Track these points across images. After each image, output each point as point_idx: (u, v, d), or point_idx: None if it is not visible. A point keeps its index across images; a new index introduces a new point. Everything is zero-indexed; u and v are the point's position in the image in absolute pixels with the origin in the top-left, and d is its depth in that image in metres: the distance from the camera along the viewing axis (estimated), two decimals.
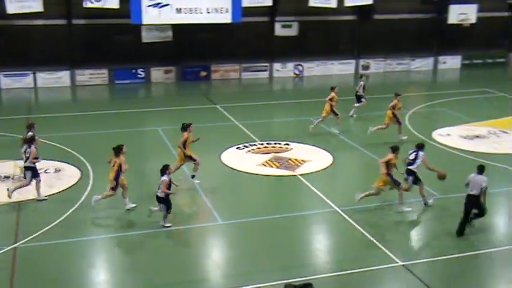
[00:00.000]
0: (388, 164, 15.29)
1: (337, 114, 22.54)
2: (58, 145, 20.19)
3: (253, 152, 20.31)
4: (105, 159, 15.58)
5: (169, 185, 14.09)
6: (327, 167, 18.94)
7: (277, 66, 35.19)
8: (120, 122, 24.47)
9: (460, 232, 14.03)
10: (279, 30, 34.87)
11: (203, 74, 34.04)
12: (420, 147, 15.91)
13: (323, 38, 36.90)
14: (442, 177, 15.46)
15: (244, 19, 31.42)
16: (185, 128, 17.03)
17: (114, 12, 29.80)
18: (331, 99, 22.43)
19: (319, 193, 16.62)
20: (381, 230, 14.41)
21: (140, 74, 33.12)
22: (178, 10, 30.45)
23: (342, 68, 36.19)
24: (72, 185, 17.07)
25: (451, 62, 38.27)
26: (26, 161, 15.77)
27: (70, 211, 15.28)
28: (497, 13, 38.71)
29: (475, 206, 14.08)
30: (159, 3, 30.05)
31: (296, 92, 33.30)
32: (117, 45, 33.02)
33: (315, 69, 35.73)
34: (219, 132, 22.97)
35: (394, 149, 15.42)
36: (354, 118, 25.01)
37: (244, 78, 34.42)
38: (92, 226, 14.72)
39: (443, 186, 17.12)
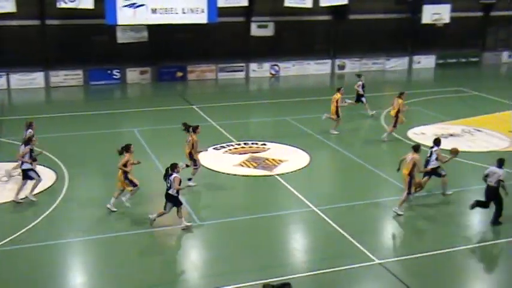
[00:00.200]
0: (413, 165, 15.11)
1: (338, 117, 22.32)
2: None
3: (230, 153, 20.29)
4: (80, 161, 15.43)
5: (179, 182, 14.02)
6: (304, 167, 19.00)
7: (253, 66, 35.22)
8: (96, 123, 24.26)
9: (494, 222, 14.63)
10: (255, 31, 34.90)
11: (179, 74, 33.91)
12: (437, 143, 16.13)
13: (299, 38, 37.03)
14: (455, 152, 15.92)
15: (220, 19, 31.38)
16: (194, 129, 16.93)
17: (88, 13, 29.54)
18: (336, 101, 22.24)
19: (296, 193, 16.66)
20: (358, 228, 14.48)
21: (116, 75, 32.87)
22: (154, 10, 30.28)
23: (317, 68, 36.35)
24: (47, 188, 16.86)
25: (426, 62, 38.70)
26: (22, 164, 15.72)
27: (46, 214, 15.10)
28: (471, 13, 39.23)
29: (493, 197, 14.53)
30: (134, 4, 29.85)
31: (272, 92, 33.36)
32: (92, 46, 32.74)
33: (291, 69, 35.84)
34: None
35: (417, 148, 15.32)
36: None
37: (221, 79, 34.39)
38: (68, 228, 14.57)
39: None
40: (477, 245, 13.89)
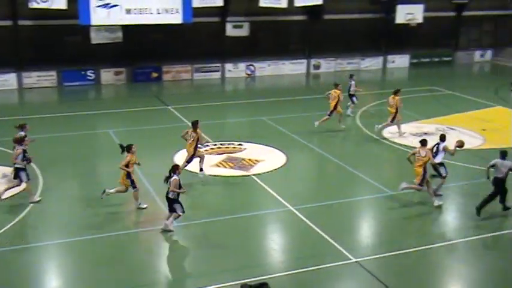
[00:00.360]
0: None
1: (331, 113, 22.57)
2: (5, 150, 19.60)
3: (206, 153, 20.19)
4: (54, 163, 15.25)
5: (179, 185, 13.90)
6: (281, 167, 19.03)
7: (229, 66, 35.17)
8: (70, 125, 23.98)
9: (479, 208, 15.12)
10: (230, 31, 34.86)
11: (154, 75, 33.71)
12: (442, 138, 16.64)
13: (274, 38, 37.10)
14: (461, 145, 16.43)
15: (195, 19, 31.29)
16: (194, 125, 17.25)
17: (61, 13, 29.20)
18: (338, 96, 22.53)
19: (273, 193, 16.67)
20: (334, 227, 14.55)
21: (90, 76, 32.55)
22: (128, 11, 30.06)
23: (293, 68, 36.44)
24: (22, 191, 16.60)
25: (400, 61, 39.06)
26: (14, 163, 15.55)
27: (19, 217, 14.88)
28: (443, 13, 39.70)
29: (500, 188, 15.08)
30: (108, 4, 29.59)
31: (248, 92, 33.36)
32: (66, 47, 32.39)
33: (267, 69, 35.87)
34: (171, 133, 22.73)
35: (425, 143, 15.86)
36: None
37: (196, 79, 34.27)
38: (42, 232, 14.39)
39: (395, 183, 17.46)
40: (454, 241, 14.04)
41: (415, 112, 25.50)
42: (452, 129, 23.30)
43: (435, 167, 16.28)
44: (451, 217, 16.05)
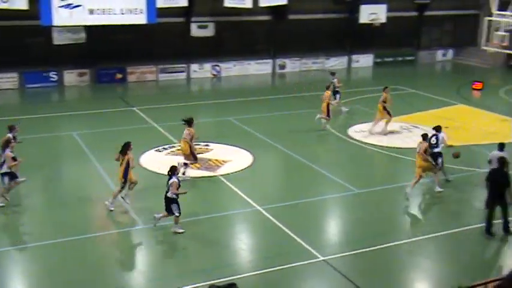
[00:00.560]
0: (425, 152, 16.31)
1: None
2: None
3: (173, 154, 20.11)
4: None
5: (178, 186, 13.88)
6: (248, 167, 19.04)
7: (194, 67, 35.02)
8: (33, 127, 23.45)
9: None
10: (195, 31, 34.72)
11: (119, 76, 33.36)
12: (438, 129, 17.28)
13: (239, 38, 37.09)
14: (456, 155, 17.08)
15: (159, 20, 31.03)
16: (189, 122, 17.48)
17: (23, 14, 28.61)
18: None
19: (240, 193, 16.68)
20: (302, 226, 14.63)
21: (52, 78, 32.01)
22: (91, 11, 29.61)
23: (258, 68, 36.49)
24: None
25: (364, 61, 39.46)
26: (1, 167, 15.30)
27: None
28: (406, 13, 40.27)
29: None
30: (70, 4, 29.10)
31: (214, 93, 33.28)
32: (27, 48, 31.78)
33: (233, 69, 35.84)
34: (137, 135, 22.50)
35: (425, 137, 16.57)
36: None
37: (162, 80, 34.02)
38: (7, 236, 14.12)
39: (362, 181, 17.70)
40: (418, 238, 14.25)
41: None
42: (415, 127, 23.65)
43: (432, 156, 16.88)
44: (416, 214, 16.30)
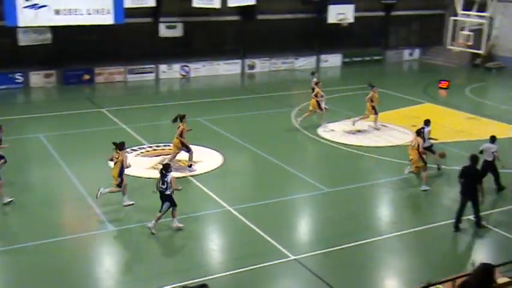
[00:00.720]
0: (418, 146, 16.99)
1: (321, 109, 23.45)
2: None
3: (142, 156, 19.96)
4: None
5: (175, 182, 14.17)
6: (218, 167, 19.00)
7: (163, 67, 34.80)
8: None
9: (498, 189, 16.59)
10: (164, 31, 34.49)
11: (86, 77, 32.95)
12: (427, 123, 18.10)
13: (208, 39, 36.97)
14: (442, 155, 18.28)
15: (127, 20, 30.76)
16: (181, 119, 18.02)
17: None
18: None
19: (210, 193, 16.64)
20: (273, 226, 14.66)
21: (18, 79, 31.44)
22: (57, 11, 29.16)
23: (228, 68, 36.44)
24: None
25: (332, 60, 39.73)
26: None
27: None
28: (373, 13, 40.67)
29: (490, 170, 16.44)
30: (35, 4, 28.63)
31: (183, 93, 33.10)
32: None
33: (202, 69, 35.71)
34: (105, 136, 22.28)
35: (419, 132, 17.27)
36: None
37: (130, 81, 33.72)
38: None
39: (332, 180, 17.82)
40: (388, 235, 14.41)
41: (348, 110, 26.02)
42: (384, 126, 23.90)
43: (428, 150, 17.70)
44: (385, 212, 16.49)
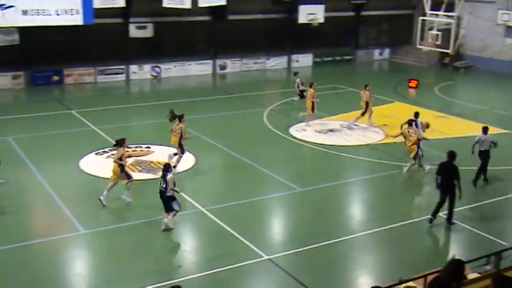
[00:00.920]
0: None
1: (313, 111, 23.63)
2: None
3: (112, 157, 19.73)
4: None
5: (174, 182, 14.16)
6: (190, 168, 18.93)
7: (133, 68, 34.52)
8: None
9: (475, 180, 17.28)
10: (134, 32, 34.21)
11: (55, 78, 32.51)
12: (416, 116, 19.32)
13: (179, 39, 36.81)
14: (427, 126, 19.38)
15: (96, 20, 30.44)
16: (180, 118, 18.22)
17: None
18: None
19: (183, 194, 16.51)
20: (246, 226, 14.66)
21: None
22: (25, 12, 28.70)
23: (199, 69, 36.33)
24: None
25: (303, 60, 39.89)
26: None
27: None
28: (343, 13, 40.95)
29: (484, 159, 17.29)
30: (2, 5, 28.13)
31: (154, 94, 32.89)
32: None
33: (173, 70, 35.54)
34: (75, 138, 22.09)
35: (411, 123, 18.45)
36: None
37: (100, 82, 33.36)
38: None
39: (304, 180, 17.89)
40: (359, 234, 14.52)
41: (320, 110, 26.09)
42: (355, 125, 24.09)
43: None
44: (357, 210, 16.62)
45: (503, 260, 10.20)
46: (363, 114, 23.62)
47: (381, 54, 43.51)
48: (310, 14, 37.70)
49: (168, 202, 14.15)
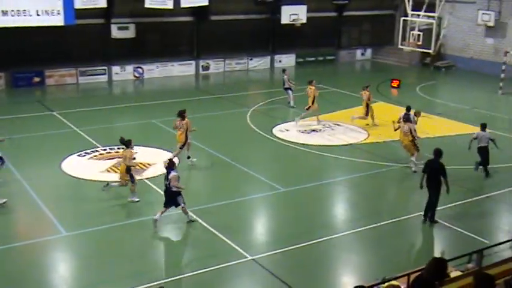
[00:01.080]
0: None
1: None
2: None
3: (96, 159, 19.65)
4: None
5: (178, 179, 14.32)
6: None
7: (116, 69, 34.30)
8: None
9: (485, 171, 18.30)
10: (116, 32, 34.00)
11: (36, 79, 32.20)
12: (408, 109, 20.36)
13: (162, 40, 36.66)
14: (418, 114, 20.22)
15: (78, 21, 30.20)
16: (181, 114, 18.79)
17: None
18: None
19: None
20: (229, 227, 14.64)
21: None
22: (5, 12, 28.35)
23: (182, 69, 36.21)
24: None
25: (286, 60, 39.91)
26: None
27: None
28: (326, 13, 41.09)
29: (485, 155, 18.04)
30: None
31: (137, 95, 32.70)
32: None
33: (155, 71, 35.38)
34: (57, 140, 21.92)
35: (407, 119, 19.09)
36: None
37: (82, 83, 33.10)
38: None
39: (288, 180, 17.91)
40: (343, 233, 14.57)
41: (303, 110, 26.17)
42: (338, 125, 24.18)
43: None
44: (340, 210, 16.68)
45: (485, 257, 10.31)
46: (366, 114, 24.06)
47: (363, 54, 43.70)
48: (292, 15, 37.76)
49: (173, 197, 14.37)
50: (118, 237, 14.20)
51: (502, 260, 9.98)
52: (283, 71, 27.93)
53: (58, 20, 29.66)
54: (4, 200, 15.57)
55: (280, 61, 39.60)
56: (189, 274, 12.44)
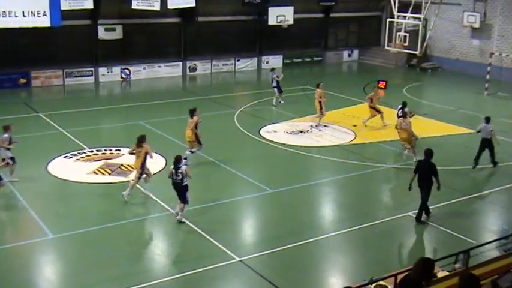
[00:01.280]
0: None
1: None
2: None
3: (82, 160, 19.54)
4: None
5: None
6: (160, 170, 18.77)
7: (102, 70, 34.12)
8: None
9: (475, 163, 18.83)
10: (103, 34, 33.85)
11: (22, 81, 31.96)
12: (404, 105, 21.36)
13: (149, 41, 36.53)
14: (412, 114, 20.40)
15: (64, 22, 30.00)
16: (192, 112, 19.07)
17: None
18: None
19: (154, 197, 16.44)
20: (217, 228, 14.62)
21: None
22: None
23: (169, 71, 36.11)
24: None
25: (273, 62, 39.90)
26: None
27: None
28: (313, 14, 41.18)
29: (488, 147, 18.69)
30: None
31: (124, 96, 32.57)
32: None
33: (142, 72, 35.25)
34: (43, 141, 21.77)
35: (405, 115, 19.77)
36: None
37: (68, 84, 32.89)
38: None
39: (275, 181, 17.92)
40: (330, 234, 14.60)
41: (290, 111, 26.28)
42: (325, 126, 24.23)
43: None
44: (328, 211, 16.72)
45: (472, 258, 10.37)
46: (379, 113, 24.29)
47: (349, 55, 43.84)
48: (279, 16, 37.78)
49: (184, 192, 14.58)
50: (104, 239, 14.12)
51: (489, 260, 10.06)
52: (272, 69, 28.06)
53: (44, 21, 29.43)
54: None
55: (267, 62, 39.60)
56: (177, 276, 12.41)
